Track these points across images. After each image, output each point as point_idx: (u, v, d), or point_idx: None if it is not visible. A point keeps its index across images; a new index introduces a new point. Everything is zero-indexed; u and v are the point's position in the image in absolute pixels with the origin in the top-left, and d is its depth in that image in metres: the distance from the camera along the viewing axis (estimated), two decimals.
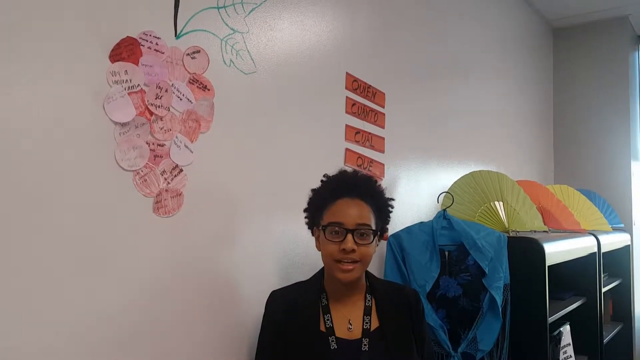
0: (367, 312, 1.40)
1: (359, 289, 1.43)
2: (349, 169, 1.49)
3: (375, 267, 2.05)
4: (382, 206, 1.43)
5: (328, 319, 1.35)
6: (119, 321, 1.21)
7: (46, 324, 1.08)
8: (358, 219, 1.35)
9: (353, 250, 1.32)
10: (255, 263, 1.55)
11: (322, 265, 1.43)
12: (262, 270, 1.57)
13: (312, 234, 1.46)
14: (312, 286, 1.43)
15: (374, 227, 1.37)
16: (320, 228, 1.38)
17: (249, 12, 1.55)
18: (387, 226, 1.47)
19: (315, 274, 1.47)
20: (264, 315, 1.42)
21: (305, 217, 1.47)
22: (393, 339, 1.37)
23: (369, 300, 1.42)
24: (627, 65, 3.91)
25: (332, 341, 1.32)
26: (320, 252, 1.40)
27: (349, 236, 1.33)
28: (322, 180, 1.45)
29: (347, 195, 1.38)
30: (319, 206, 1.41)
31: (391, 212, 1.47)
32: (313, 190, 1.45)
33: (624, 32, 3.92)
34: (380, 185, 1.46)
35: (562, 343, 2.24)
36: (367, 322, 1.38)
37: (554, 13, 3.92)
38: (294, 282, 1.52)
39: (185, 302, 1.36)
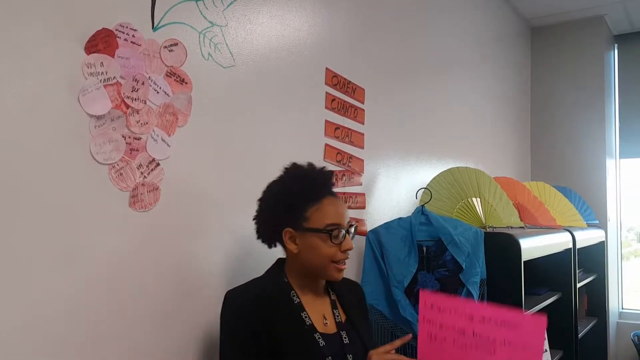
0: (334, 306, 1.41)
1: (323, 284, 1.42)
2: (310, 164, 1.40)
3: (354, 263, 2.06)
4: None
5: (306, 317, 1.32)
6: (92, 315, 1.20)
7: (14, 318, 1.07)
8: (347, 217, 1.36)
9: (351, 249, 1.34)
10: (233, 259, 1.55)
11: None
12: (239, 266, 1.57)
13: (275, 238, 1.37)
14: (275, 284, 1.35)
15: None
16: (319, 231, 1.31)
17: (228, 5, 1.54)
18: None
19: (269, 271, 1.40)
20: (228, 317, 1.30)
21: (265, 218, 1.37)
22: (361, 330, 1.40)
23: (332, 295, 1.43)
24: (602, 65, 3.97)
25: (319, 338, 1.30)
26: (297, 253, 1.33)
27: (348, 237, 1.34)
28: (288, 178, 1.36)
29: (329, 194, 1.36)
30: (299, 207, 1.33)
31: None
32: (282, 189, 1.35)
33: (600, 31, 3.98)
34: None
35: None
36: (337, 316, 1.39)
37: (532, 12, 3.96)
38: None
39: (160, 297, 1.35)
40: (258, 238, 1.40)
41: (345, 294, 1.45)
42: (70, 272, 1.15)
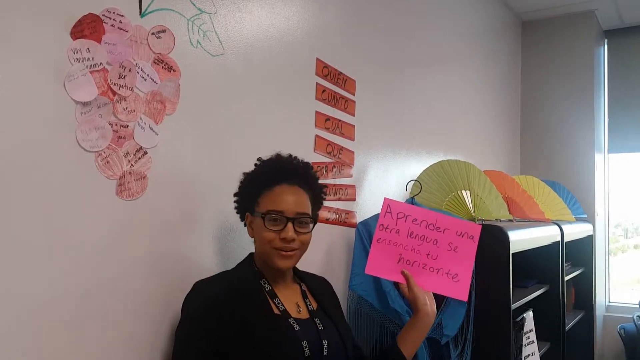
0: (304, 295, 1.42)
1: (291, 274, 1.43)
2: (284, 153, 1.41)
3: (343, 254, 2.06)
4: (318, 193, 1.43)
5: (279, 303, 1.31)
6: (77, 303, 1.18)
7: None
8: (298, 207, 1.33)
9: (293, 240, 1.31)
10: (219, 249, 1.54)
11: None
12: (227, 255, 1.56)
13: (242, 220, 1.43)
14: (246, 273, 1.35)
15: (311, 215, 1.38)
16: (260, 215, 1.32)
17: None
18: (319, 212, 1.47)
19: (242, 262, 1.41)
20: (194, 305, 1.27)
21: (235, 202, 1.43)
22: (334, 318, 1.41)
23: (302, 285, 1.44)
24: (592, 59, 3.99)
25: (294, 323, 1.29)
26: (252, 239, 1.38)
27: (290, 225, 1.31)
28: (256, 164, 1.41)
29: (286, 182, 1.35)
30: (253, 191, 1.36)
31: (324, 199, 1.47)
32: (246, 174, 1.41)
33: (590, 26, 4.00)
34: (315, 171, 1.45)
35: (525, 329, 2.29)
36: (309, 304, 1.40)
37: (523, 6, 3.97)
38: None
39: (146, 286, 1.34)
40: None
41: (315, 285, 1.47)
42: (55, 260, 1.14)
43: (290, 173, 1.37)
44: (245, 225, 1.42)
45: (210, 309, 1.24)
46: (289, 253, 1.32)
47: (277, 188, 1.34)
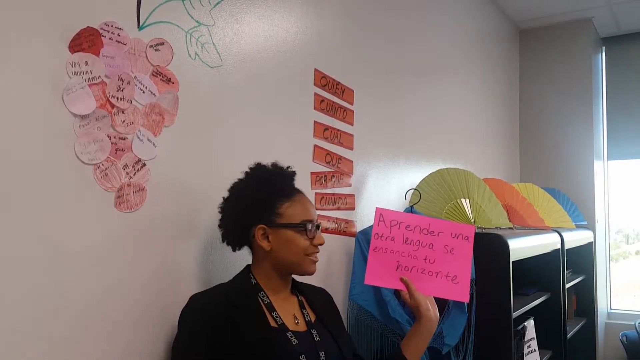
0: (302, 306, 1.42)
1: (290, 285, 1.43)
2: (268, 164, 1.42)
3: (343, 264, 2.06)
4: None
5: (277, 316, 1.31)
6: (76, 316, 1.18)
7: None
8: (316, 214, 1.42)
9: (323, 244, 1.40)
10: (219, 261, 1.54)
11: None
12: (225, 267, 1.55)
13: (242, 239, 1.39)
14: (243, 286, 1.35)
15: None
16: (293, 226, 1.34)
17: (215, 5, 1.53)
18: None
19: (238, 275, 1.39)
20: (190, 318, 1.26)
21: (234, 220, 1.37)
22: (331, 328, 1.42)
23: (300, 296, 1.44)
24: (590, 67, 4.00)
25: (291, 337, 1.30)
26: (268, 250, 1.35)
27: (320, 232, 1.40)
28: (253, 178, 1.39)
29: (299, 192, 1.41)
30: (272, 202, 1.36)
31: None
32: (247, 190, 1.37)
33: (587, 34, 4.02)
34: None
35: (526, 337, 2.28)
36: (307, 315, 1.40)
37: (521, 15, 3.99)
38: None
39: (145, 299, 1.33)
40: (223, 241, 1.41)
41: (312, 296, 1.47)
42: (53, 272, 1.14)
43: (292, 183, 1.44)
44: (251, 237, 1.37)
45: (206, 322, 1.23)
46: (317, 257, 1.39)
47: (297, 198, 1.39)
